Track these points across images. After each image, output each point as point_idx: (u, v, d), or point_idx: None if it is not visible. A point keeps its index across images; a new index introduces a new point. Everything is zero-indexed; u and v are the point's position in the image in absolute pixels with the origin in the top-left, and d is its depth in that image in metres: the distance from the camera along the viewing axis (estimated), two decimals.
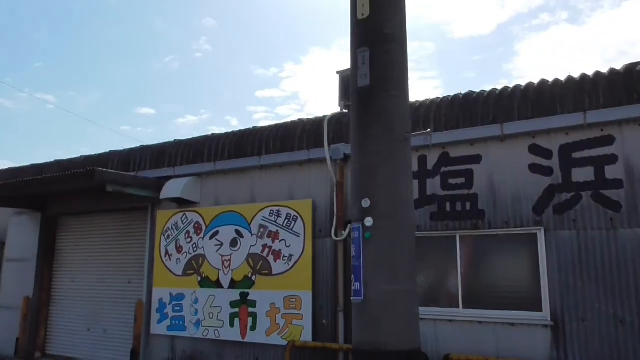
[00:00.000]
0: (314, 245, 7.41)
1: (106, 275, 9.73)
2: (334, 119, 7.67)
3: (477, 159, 6.56)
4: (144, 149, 9.62)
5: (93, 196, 9.75)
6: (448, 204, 6.62)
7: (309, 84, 46.01)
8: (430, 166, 6.81)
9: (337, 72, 8.72)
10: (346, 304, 6.99)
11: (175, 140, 9.41)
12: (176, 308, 8.46)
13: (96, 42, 41.77)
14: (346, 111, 7.72)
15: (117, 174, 8.16)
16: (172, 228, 8.78)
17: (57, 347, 10.16)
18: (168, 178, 8.94)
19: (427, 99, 7.07)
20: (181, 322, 8.36)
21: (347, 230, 7.11)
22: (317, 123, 7.82)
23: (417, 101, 7.13)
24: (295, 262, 7.48)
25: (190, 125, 40.87)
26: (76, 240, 10.33)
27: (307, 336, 7.20)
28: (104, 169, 8.00)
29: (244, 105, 43.98)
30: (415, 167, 6.89)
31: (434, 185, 6.74)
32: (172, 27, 43.33)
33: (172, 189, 8.51)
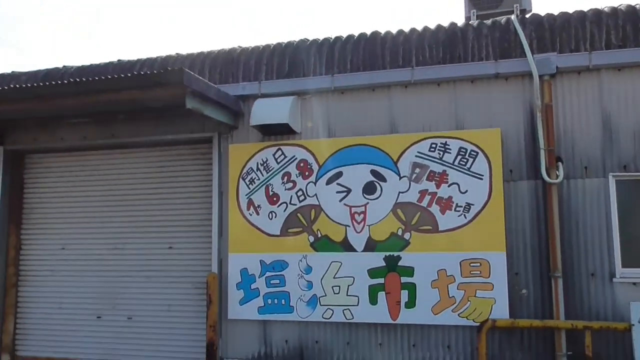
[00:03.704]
0: (505, 190, 5.47)
1: (128, 238, 6.67)
2: (528, 21, 5.68)
3: None
4: (194, 57, 6.63)
5: (100, 121, 6.58)
6: None
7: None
8: None
9: None
10: (567, 267, 5.23)
11: (240, 46, 6.58)
12: (273, 281, 5.93)
13: None
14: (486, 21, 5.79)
15: (205, 83, 5.27)
16: (258, 169, 6.11)
17: (38, 345, 6.87)
18: (244, 98, 6.21)
19: None
20: (283, 301, 5.88)
21: (562, 170, 5.30)
22: (499, 26, 5.76)
23: None
24: (477, 214, 5.48)
25: None
26: (67, 189, 6.98)
27: (500, 312, 5.31)
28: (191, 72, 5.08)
29: None
30: None
31: None
32: None
33: (269, 112, 5.84)
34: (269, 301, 5.92)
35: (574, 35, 5.45)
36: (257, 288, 5.96)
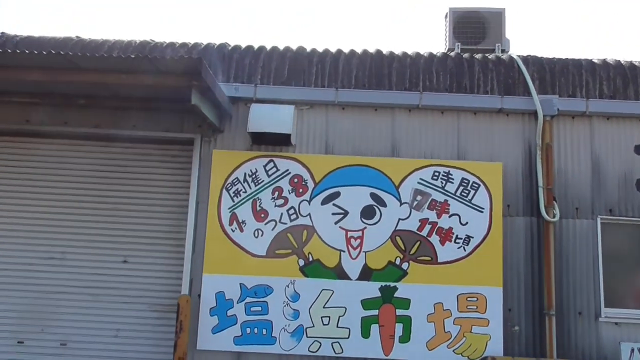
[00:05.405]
0: (503, 225, 5.46)
1: (70, 246, 5.55)
2: (530, 61, 5.83)
3: None
4: (178, 46, 5.82)
5: (52, 104, 5.50)
6: None
7: None
8: None
9: (450, 8, 7.03)
10: (558, 305, 5.31)
11: (229, 44, 5.94)
12: (254, 308, 5.27)
13: None
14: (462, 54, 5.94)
15: (213, 78, 4.58)
16: (245, 180, 5.47)
17: None
18: (234, 100, 5.57)
19: None
20: (265, 330, 5.24)
21: (558, 209, 5.44)
22: (503, 62, 5.83)
23: None
24: (476, 247, 5.39)
25: None
26: None
27: (495, 349, 5.23)
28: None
29: None
30: None
31: None
32: None
33: (270, 119, 5.28)
34: (248, 330, 5.24)
35: (572, 81, 5.71)
36: (235, 315, 5.26)
